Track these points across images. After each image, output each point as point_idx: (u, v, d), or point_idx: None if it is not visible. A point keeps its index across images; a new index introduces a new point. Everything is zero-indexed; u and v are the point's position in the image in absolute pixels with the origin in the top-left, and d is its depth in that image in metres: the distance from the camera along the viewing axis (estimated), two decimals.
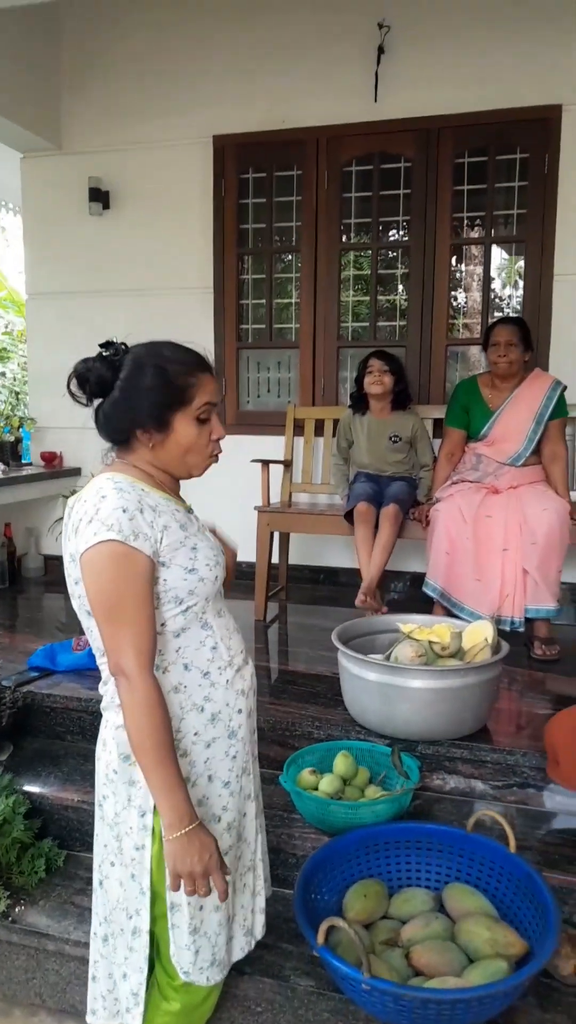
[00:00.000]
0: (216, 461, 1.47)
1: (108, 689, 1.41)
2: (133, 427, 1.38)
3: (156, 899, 1.41)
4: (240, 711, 1.47)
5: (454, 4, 3.80)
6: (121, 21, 4.28)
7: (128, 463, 1.41)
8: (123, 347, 1.40)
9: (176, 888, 1.30)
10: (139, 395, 1.35)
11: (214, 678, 1.43)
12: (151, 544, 1.32)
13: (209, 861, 1.29)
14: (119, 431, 1.39)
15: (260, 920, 1.61)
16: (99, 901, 1.51)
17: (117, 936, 1.47)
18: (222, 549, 1.51)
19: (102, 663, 1.41)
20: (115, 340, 1.40)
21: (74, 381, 1.37)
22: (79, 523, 1.32)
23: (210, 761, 1.43)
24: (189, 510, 1.48)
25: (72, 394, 1.38)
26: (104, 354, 1.38)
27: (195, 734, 1.41)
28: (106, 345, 1.39)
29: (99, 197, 4.37)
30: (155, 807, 1.34)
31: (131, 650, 1.27)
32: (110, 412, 1.38)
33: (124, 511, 1.29)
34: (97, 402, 1.39)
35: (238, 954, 1.54)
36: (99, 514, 1.29)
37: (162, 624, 1.36)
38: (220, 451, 1.46)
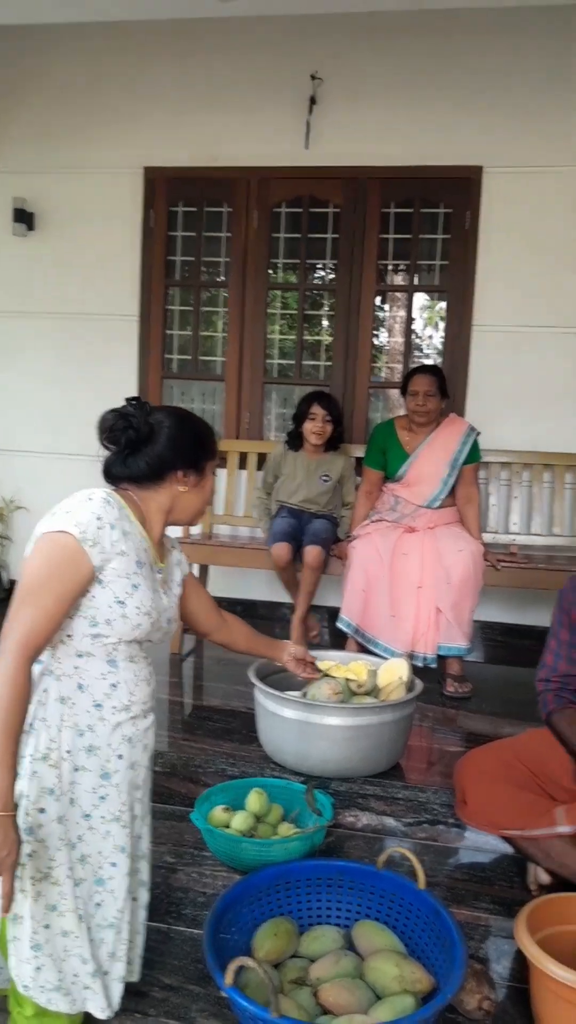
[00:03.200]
0: None
1: None
2: (173, 469, 1.50)
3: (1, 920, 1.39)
4: (120, 757, 1.45)
5: (384, 63, 3.97)
6: (57, 46, 4.29)
7: (129, 495, 1.49)
8: (148, 404, 1.52)
9: None
10: (187, 442, 1.51)
11: (104, 713, 1.43)
12: (101, 558, 1.36)
13: (5, 858, 1.25)
14: (154, 473, 1.50)
15: (117, 990, 1.51)
16: None
17: None
18: (173, 617, 1.58)
19: None
20: (140, 398, 1.53)
21: (108, 431, 1.49)
22: (58, 509, 1.38)
23: (75, 785, 1.41)
24: (162, 568, 1.54)
25: (104, 443, 1.51)
26: (134, 408, 1.49)
27: (67, 751, 1.40)
28: (134, 400, 1.51)
29: (23, 218, 4.33)
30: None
31: (21, 629, 1.28)
32: (150, 457, 1.49)
33: (99, 519, 1.36)
34: (115, 451, 1.51)
35: (93, 1009, 1.45)
36: (75, 510, 1.36)
37: (69, 635, 1.39)
38: None
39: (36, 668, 1.38)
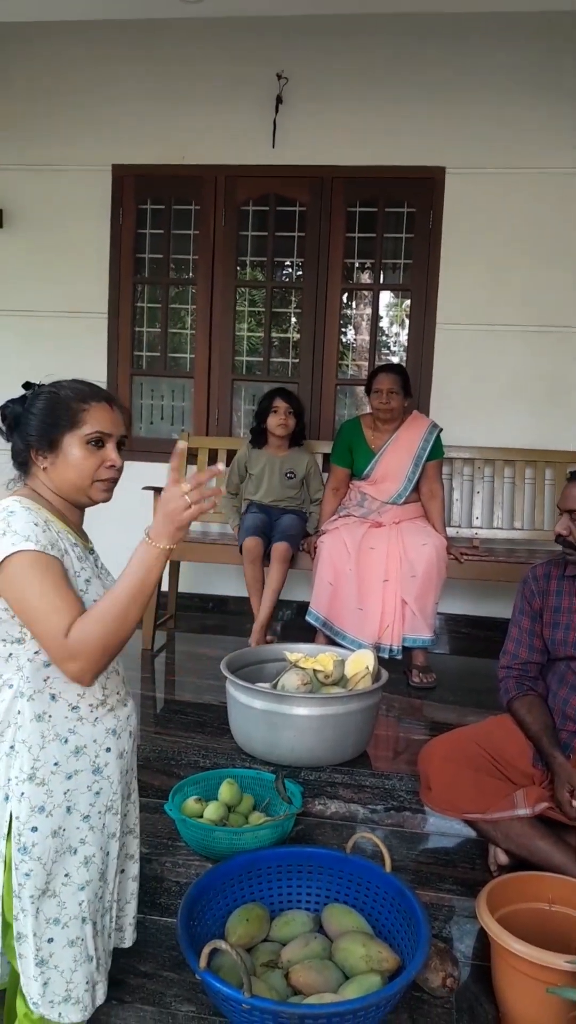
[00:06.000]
0: (109, 486, 1.52)
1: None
2: (28, 449, 1.47)
3: (8, 928, 1.41)
4: (109, 750, 1.47)
5: (350, 64, 4.02)
6: (25, 43, 4.26)
7: (31, 489, 1.48)
8: (39, 386, 1.50)
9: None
10: (33, 417, 1.46)
11: (83, 713, 1.44)
12: (60, 556, 1.39)
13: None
14: (19, 454, 1.50)
15: (106, 964, 1.56)
16: None
17: None
18: None
19: None
20: (34, 382, 1.51)
21: None
22: None
23: (70, 793, 1.42)
24: (90, 550, 1.54)
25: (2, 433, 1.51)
26: (11, 401, 1.50)
27: (55, 764, 1.40)
28: (26, 386, 1.50)
29: None
30: (8, 834, 1.36)
31: (64, 625, 1.32)
32: (14, 440, 1.49)
33: (36, 524, 1.37)
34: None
35: (101, 998, 1.50)
36: (12, 527, 1.35)
37: (36, 652, 1.39)
38: (114, 477, 1.51)
39: (8, 691, 1.39)
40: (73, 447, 1.45)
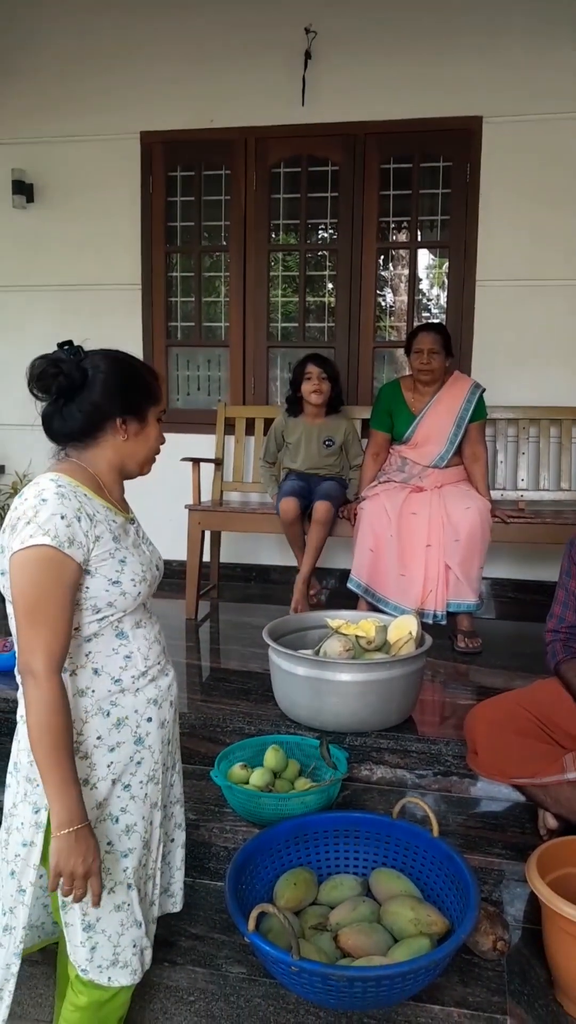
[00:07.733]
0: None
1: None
2: (110, 417, 1.43)
3: (52, 896, 1.43)
4: (150, 719, 1.48)
5: (379, 14, 3.88)
6: (48, 14, 4.22)
7: (77, 463, 1.44)
8: (81, 348, 1.45)
9: (54, 888, 1.31)
10: (122, 387, 1.43)
11: (125, 685, 1.44)
12: (83, 552, 1.34)
13: (92, 864, 1.31)
14: (91, 423, 1.43)
15: (152, 930, 1.57)
16: None
17: None
18: (159, 559, 1.56)
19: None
20: (74, 342, 1.44)
21: (36, 379, 1.40)
22: (16, 521, 1.34)
23: (114, 765, 1.43)
24: (131, 520, 1.53)
25: (34, 392, 1.41)
26: (65, 353, 1.42)
27: (98, 738, 1.41)
28: (66, 344, 1.43)
29: (23, 190, 4.30)
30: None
31: (42, 652, 1.29)
32: (84, 405, 1.41)
33: (62, 517, 1.32)
34: (49, 401, 1.43)
35: (148, 963, 1.51)
36: (38, 517, 1.31)
37: (76, 628, 1.38)
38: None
39: None
40: (152, 421, 1.49)
